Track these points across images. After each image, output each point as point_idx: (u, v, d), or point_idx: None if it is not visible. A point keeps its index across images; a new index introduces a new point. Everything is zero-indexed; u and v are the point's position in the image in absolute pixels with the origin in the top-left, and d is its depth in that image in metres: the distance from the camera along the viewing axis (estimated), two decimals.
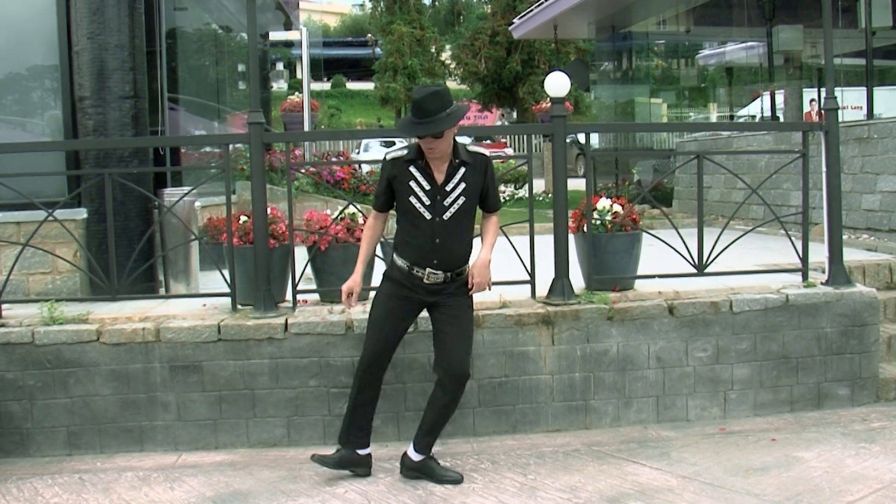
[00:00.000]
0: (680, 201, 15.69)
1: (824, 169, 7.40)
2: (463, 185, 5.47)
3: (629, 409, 6.83)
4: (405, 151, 5.53)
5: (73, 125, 8.05)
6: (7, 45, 8.39)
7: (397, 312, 5.64)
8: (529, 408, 6.67)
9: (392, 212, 5.74)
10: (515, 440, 6.51)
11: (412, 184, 5.46)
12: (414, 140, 5.48)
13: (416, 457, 5.72)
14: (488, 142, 39.14)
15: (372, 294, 6.07)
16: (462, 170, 5.48)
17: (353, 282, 5.75)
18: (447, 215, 5.46)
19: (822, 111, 7.48)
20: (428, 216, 5.46)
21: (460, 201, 5.47)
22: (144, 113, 7.96)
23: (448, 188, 5.45)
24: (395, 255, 5.65)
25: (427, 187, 5.45)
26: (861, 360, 7.15)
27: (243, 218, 7.07)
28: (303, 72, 17.45)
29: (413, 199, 5.46)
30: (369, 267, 6.85)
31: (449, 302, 5.57)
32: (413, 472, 5.74)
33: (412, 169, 5.47)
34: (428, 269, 5.49)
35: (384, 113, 54.00)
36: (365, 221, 7.11)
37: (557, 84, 6.96)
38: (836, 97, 7.43)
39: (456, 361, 5.50)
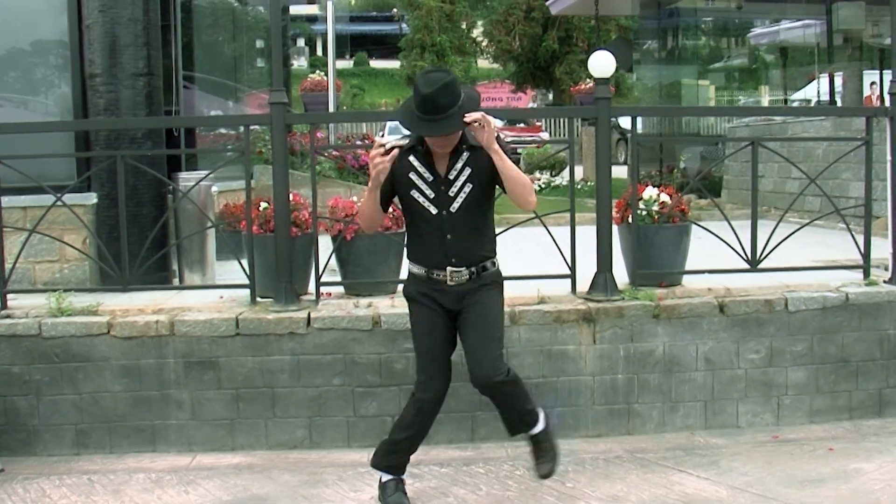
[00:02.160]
0: (730, 191, 15.62)
1: (889, 158, 7.35)
2: (468, 171, 5.12)
3: (675, 413, 6.82)
4: (404, 141, 5.19)
5: (83, 104, 8.09)
6: (13, 19, 8.43)
7: (435, 324, 5.31)
8: (569, 411, 6.66)
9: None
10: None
11: (412, 175, 5.15)
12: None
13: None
14: (522, 125, 39.03)
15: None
16: (466, 154, 5.13)
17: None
18: (455, 207, 5.13)
19: (887, 95, 7.42)
20: (434, 210, 5.15)
21: (467, 189, 5.12)
22: (158, 91, 7.99)
23: (451, 176, 5.13)
24: (409, 266, 5.39)
25: (430, 178, 5.14)
26: None
27: (263, 204, 7.10)
28: (328, 49, 17.48)
29: (416, 193, 5.16)
30: (396, 258, 6.91)
31: (473, 300, 5.24)
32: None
33: (411, 158, 5.16)
34: (449, 269, 5.19)
35: (409, 93, 53.91)
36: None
37: (602, 63, 6.94)
38: None
39: (482, 367, 5.18)
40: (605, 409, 6.74)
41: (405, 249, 5.48)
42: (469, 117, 4.87)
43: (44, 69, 8.70)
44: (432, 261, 5.23)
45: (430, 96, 4.85)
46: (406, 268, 5.50)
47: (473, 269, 5.23)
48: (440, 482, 5.88)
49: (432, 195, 5.13)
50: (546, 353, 6.65)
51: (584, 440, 6.63)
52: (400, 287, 7.12)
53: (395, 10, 63.46)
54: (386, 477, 5.48)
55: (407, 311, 6.58)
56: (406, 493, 5.47)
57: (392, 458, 5.47)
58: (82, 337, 6.55)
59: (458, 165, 5.12)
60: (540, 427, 5.50)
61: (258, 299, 6.95)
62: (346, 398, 6.60)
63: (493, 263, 5.35)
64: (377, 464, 5.51)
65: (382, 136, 32.28)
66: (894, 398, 7.07)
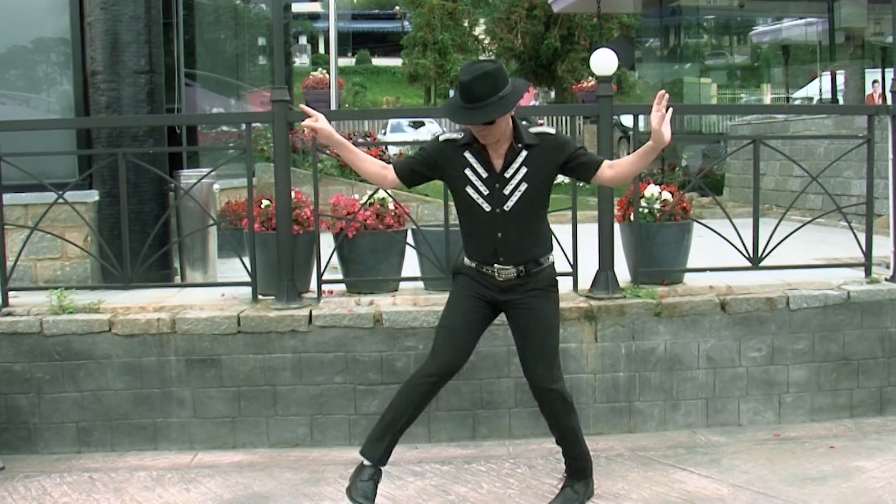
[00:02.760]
0: (731, 189, 15.63)
1: (890, 156, 7.35)
2: (524, 171, 5.05)
3: (677, 411, 6.82)
4: (461, 135, 5.13)
5: (85, 102, 8.09)
6: (14, 17, 8.44)
7: (468, 305, 5.21)
8: None
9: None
10: (554, 443, 6.49)
11: (468, 171, 5.06)
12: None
13: None
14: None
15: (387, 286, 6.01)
16: (524, 154, 5.06)
17: (325, 122, 5.17)
18: (508, 205, 5.05)
19: (889, 93, 7.42)
20: (487, 208, 5.06)
21: (522, 188, 5.04)
22: (160, 89, 7.99)
23: (507, 175, 5.05)
24: (464, 257, 5.28)
25: (484, 175, 5.06)
26: None
27: (265, 202, 7.09)
28: (330, 46, 17.48)
29: (470, 190, 5.04)
30: (398, 256, 6.90)
31: (524, 303, 5.15)
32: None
33: (467, 154, 5.07)
34: (496, 266, 5.11)
35: (412, 91, 53.99)
36: (396, 207, 7.15)
37: (604, 61, 6.92)
38: None
39: (532, 374, 5.17)
40: (606, 406, 6.74)
41: (462, 244, 5.33)
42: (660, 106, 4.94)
43: (45, 67, 8.70)
44: (482, 256, 5.14)
45: (468, 84, 4.80)
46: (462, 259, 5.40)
47: (522, 267, 5.12)
48: (441, 480, 5.87)
49: (486, 192, 5.06)
50: None
51: (585, 438, 6.60)
52: (402, 285, 7.17)
53: (397, 7, 63.55)
54: (366, 462, 5.23)
55: (408, 309, 6.63)
56: (377, 486, 5.18)
57: (374, 442, 5.23)
58: (84, 335, 6.54)
59: (516, 164, 5.05)
60: (582, 484, 5.48)
61: (260, 297, 6.94)
62: (347, 396, 6.60)
63: (547, 259, 5.24)
64: (362, 448, 5.29)
65: (385, 133, 32.31)
66: (895, 396, 7.08)
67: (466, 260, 5.23)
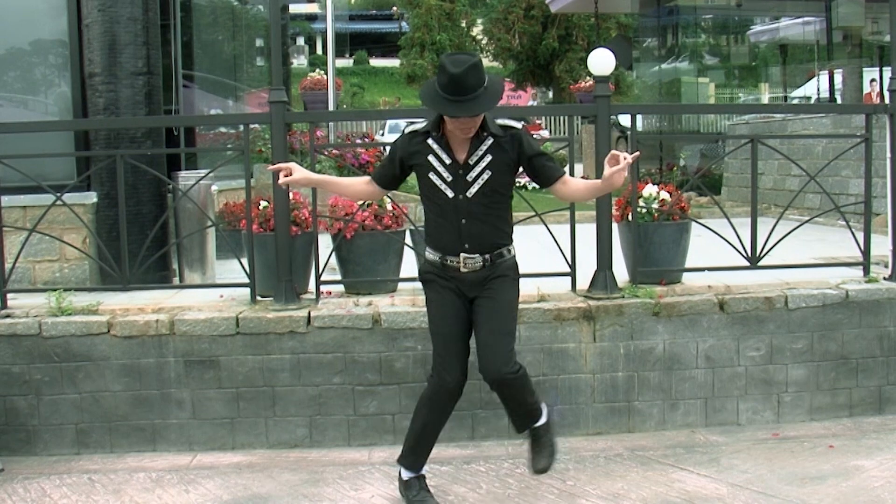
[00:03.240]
0: (730, 189, 15.63)
1: (888, 155, 7.34)
2: (489, 158, 5.08)
3: (675, 411, 6.82)
4: (423, 124, 5.20)
5: (83, 103, 8.09)
6: (12, 18, 8.43)
7: (452, 308, 5.24)
8: (569, 409, 6.66)
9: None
10: None
11: (431, 158, 5.12)
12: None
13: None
14: (522, 123, 39.03)
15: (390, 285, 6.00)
16: (489, 141, 5.10)
17: (300, 171, 5.30)
18: (471, 192, 5.09)
19: (887, 92, 7.42)
20: (451, 194, 5.09)
21: (485, 176, 5.07)
22: (158, 90, 7.99)
23: (472, 161, 5.09)
24: (426, 249, 5.31)
25: (448, 161, 5.10)
26: None
27: (263, 203, 7.10)
28: (328, 47, 17.49)
29: (433, 176, 5.12)
30: (397, 256, 6.91)
31: (488, 288, 5.19)
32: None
33: (430, 142, 5.13)
34: (462, 255, 5.14)
35: (410, 92, 53.95)
36: (394, 208, 7.15)
37: (602, 61, 6.93)
38: None
39: (495, 363, 5.13)
40: (605, 406, 6.74)
41: (424, 234, 5.37)
42: (622, 161, 4.92)
43: (43, 68, 8.69)
44: (447, 246, 5.17)
45: (459, 77, 4.79)
46: (424, 255, 5.38)
47: (487, 256, 5.16)
48: (440, 480, 5.87)
49: (450, 178, 5.09)
50: (546, 351, 6.64)
51: (584, 438, 6.62)
52: (400, 286, 7.17)
53: (394, 8, 63.44)
54: (407, 474, 5.43)
55: (406, 309, 6.62)
56: (428, 490, 5.44)
57: (413, 456, 5.39)
58: (82, 336, 6.54)
59: (480, 151, 5.09)
60: (542, 420, 5.51)
61: (258, 298, 6.95)
62: (346, 397, 6.60)
63: (509, 251, 5.28)
64: (400, 459, 5.46)
65: (382, 134, 32.30)
66: (894, 395, 7.07)
67: (430, 254, 5.28)
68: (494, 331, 5.17)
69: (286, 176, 5.23)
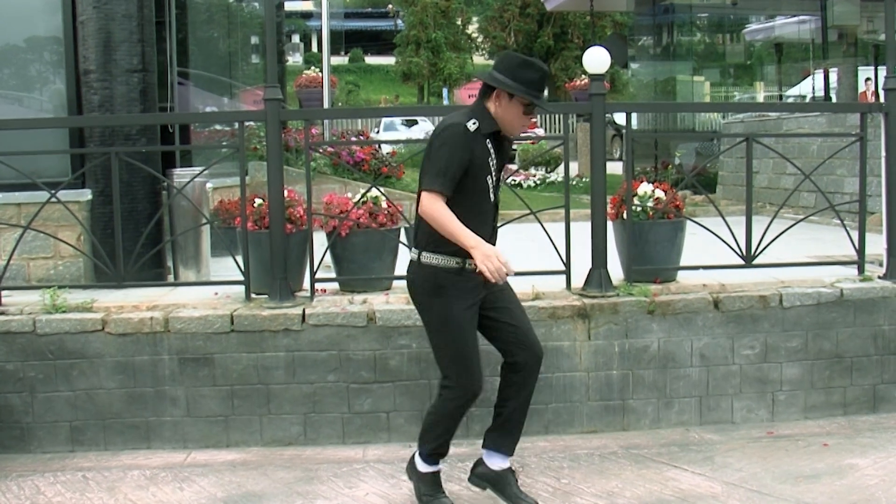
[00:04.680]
0: (725, 187, 15.64)
1: (883, 153, 7.35)
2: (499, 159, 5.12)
3: (670, 409, 6.82)
4: (477, 123, 4.92)
5: (77, 101, 8.06)
6: (6, 15, 8.41)
7: (473, 318, 5.10)
8: (563, 407, 6.67)
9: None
10: (548, 441, 6.51)
11: (490, 161, 4.96)
12: (475, 110, 4.99)
13: (501, 463, 5.35)
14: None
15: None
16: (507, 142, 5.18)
17: (490, 247, 4.76)
18: (497, 194, 5.09)
19: (882, 91, 7.43)
20: (492, 198, 5.03)
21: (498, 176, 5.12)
22: (153, 88, 7.98)
23: (505, 163, 5.16)
24: (432, 256, 4.97)
25: (496, 164, 5.03)
26: None
27: (258, 201, 7.09)
28: (322, 45, 17.48)
29: (489, 179, 4.97)
30: (391, 254, 6.89)
31: (501, 289, 5.14)
32: (484, 481, 5.40)
33: (488, 143, 4.95)
34: None
35: (405, 89, 53.99)
36: (389, 206, 7.15)
37: (597, 59, 6.93)
38: None
39: (535, 346, 5.21)
40: (599, 405, 6.74)
41: (430, 239, 4.98)
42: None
43: (38, 66, 8.67)
44: None
45: (546, 75, 4.97)
46: (421, 260, 5.04)
47: None
48: None
49: (494, 182, 5.05)
50: None
51: (578, 436, 6.63)
52: (395, 284, 7.16)
53: (390, 6, 63.54)
54: (429, 468, 5.36)
55: (401, 307, 6.61)
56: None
57: (436, 452, 5.33)
58: (77, 334, 6.54)
59: (509, 153, 5.17)
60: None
61: (253, 296, 6.95)
62: (340, 395, 6.60)
63: None
64: (427, 456, 5.33)
65: (377, 132, 32.28)
66: (888, 394, 7.08)
67: (441, 260, 4.96)
68: (523, 313, 5.32)
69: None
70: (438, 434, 5.27)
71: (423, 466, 5.36)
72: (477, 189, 4.95)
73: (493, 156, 5.01)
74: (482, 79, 5.04)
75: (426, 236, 4.99)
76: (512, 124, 5.01)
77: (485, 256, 4.67)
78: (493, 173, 5.02)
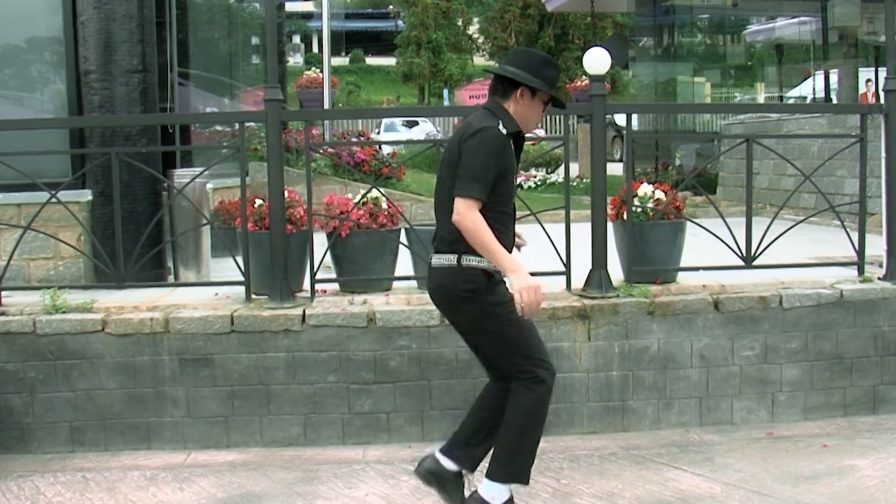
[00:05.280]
0: (725, 188, 15.64)
1: (884, 155, 7.35)
2: None
3: (670, 410, 6.83)
4: (504, 125, 4.80)
5: (78, 101, 8.07)
6: (7, 15, 8.41)
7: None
8: (563, 408, 6.67)
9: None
10: (548, 442, 6.47)
11: (514, 161, 4.91)
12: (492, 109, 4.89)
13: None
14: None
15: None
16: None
17: (532, 278, 4.64)
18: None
19: (882, 92, 7.43)
20: (513, 201, 4.99)
21: None
22: (153, 88, 7.99)
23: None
24: (479, 259, 4.74)
25: (517, 166, 5.03)
26: None
27: (258, 201, 7.10)
28: (323, 45, 17.49)
29: (515, 180, 4.95)
30: (392, 255, 6.90)
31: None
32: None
33: (512, 144, 4.87)
34: None
35: (406, 90, 53.98)
36: (389, 207, 7.16)
37: (597, 60, 6.93)
38: None
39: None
40: (599, 405, 6.74)
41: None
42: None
43: (38, 66, 8.68)
44: (508, 249, 4.82)
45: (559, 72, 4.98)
46: (462, 264, 4.81)
47: None
48: None
49: (515, 184, 5.01)
50: None
51: (578, 437, 6.63)
52: (395, 284, 7.16)
53: (390, 6, 63.51)
54: (509, 492, 4.97)
55: (401, 308, 6.61)
56: None
57: (527, 467, 4.98)
58: (77, 334, 6.54)
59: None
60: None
61: (253, 296, 6.95)
62: (340, 395, 6.60)
63: None
64: (517, 477, 4.95)
65: (378, 132, 32.27)
66: (888, 395, 7.08)
67: (477, 262, 4.76)
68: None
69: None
70: (537, 440, 4.96)
71: (505, 492, 4.94)
72: (506, 193, 4.84)
73: (514, 156, 4.95)
74: (507, 74, 4.88)
75: (461, 237, 4.74)
76: (530, 123, 4.98)
77: (529, 287, 4.57)
78: (515, 175, 4.99)
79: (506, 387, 4.94)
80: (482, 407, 5.11)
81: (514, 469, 4.93)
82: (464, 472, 5.09)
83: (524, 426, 4.88)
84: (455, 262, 4.80)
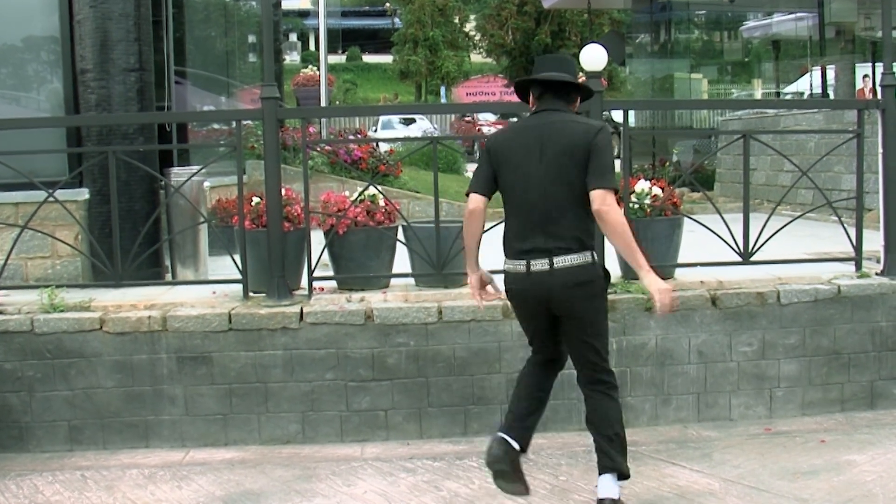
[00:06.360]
0: (722, 184, 15.64)
1: (880, 150, 7.36)
2: None
3: (668, 406, 6.83)
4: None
5: (75, 100, 8.06)
6: (3, 14, 8.40)
7: None
8: (561, 404, 6.66)
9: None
10: (546, 439, 6.50)
11: None
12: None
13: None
14: (515, 119, 39.06)
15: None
16: None
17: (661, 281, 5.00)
18: None
19: (879, 87, 7.44)
20: None
21: None
22: (150, 87, 7.98)
23: None
24: (596, 254, 5.11)
25: None
26: None
27: (256, 199, 7.10)
28: (320, 43, 17.48)
29: None
30: (389, 252, 6.90)
31: None
32: None
33: None
34: None
35: (403, 88, 53.97)
36: (386, 204, 7.16)
37: (594, 57, 6.91)
38: (894, 73, 7.37)
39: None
40: None
41: (592, 238, 5.11)
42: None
43: (35, 65, 8.67)
44: None
45: None
46: (595, 261, 5.08)
47: None
48: (433, 476, 5.88)
49: None
50: None
51: (576, 433, 6.61)
52: (392, 282, 7.16)
53: (387, 4, 63.52)
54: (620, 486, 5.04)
55: (399, 305, 6.61)
56: None
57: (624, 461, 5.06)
58: (75, 333, 6.54)
59: None
60: None
61: (251, 294, 6.95)
62: (338, 393, 6.60)
63: None
64: (622, 474, 5.03)
65: (375, 130, 32.25)
66: (886, 390, 7.09)
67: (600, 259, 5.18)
68: None
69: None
70: (614, 418, 5.06)
71: (618, 490, 5.00)
72: None
73: None
74: (573, 82, 5.05)
75: (590, 234, 5.02)
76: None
77: (667, 289, 4.96)
78: None
79: (553, 367, 5.31)
80: (539, 388, 5.28)
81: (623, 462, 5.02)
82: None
83: (619, 428, 5.03)
84: (591, 259, 4.99)
